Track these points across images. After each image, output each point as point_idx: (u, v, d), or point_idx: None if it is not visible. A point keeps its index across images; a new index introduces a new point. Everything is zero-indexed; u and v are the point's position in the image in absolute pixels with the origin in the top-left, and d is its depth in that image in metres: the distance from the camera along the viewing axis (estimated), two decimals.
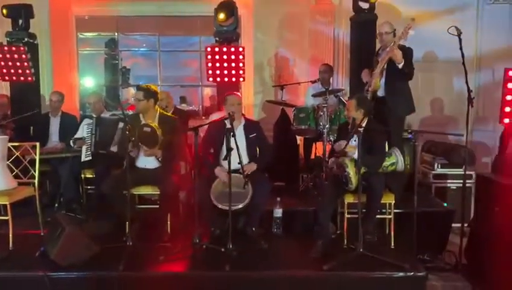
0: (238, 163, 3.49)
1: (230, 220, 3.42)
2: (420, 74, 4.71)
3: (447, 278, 3.81)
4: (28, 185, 3.94)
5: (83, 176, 4.59)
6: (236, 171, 3.63)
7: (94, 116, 4.70)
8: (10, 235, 3.65)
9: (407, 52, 4.15)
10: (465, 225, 4.12)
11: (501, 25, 6.36)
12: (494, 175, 3.82)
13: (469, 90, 3.88)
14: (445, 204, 4.57)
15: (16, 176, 3.92)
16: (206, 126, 4.11)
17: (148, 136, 3.76)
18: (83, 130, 4.62)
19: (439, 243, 4.19)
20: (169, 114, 4.32)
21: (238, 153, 3.44)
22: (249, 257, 3.48)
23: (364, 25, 5.35)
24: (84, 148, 4.51)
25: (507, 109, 3.51)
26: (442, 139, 5.54)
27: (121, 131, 4.22)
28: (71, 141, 4.56)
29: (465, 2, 6.38)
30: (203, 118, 7.61)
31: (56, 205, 4.55)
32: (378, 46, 4.98)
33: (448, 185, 5.00)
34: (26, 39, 5.51)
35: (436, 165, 5.07)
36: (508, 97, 3.49)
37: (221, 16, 5.42)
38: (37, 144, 3.99)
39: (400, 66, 4.07)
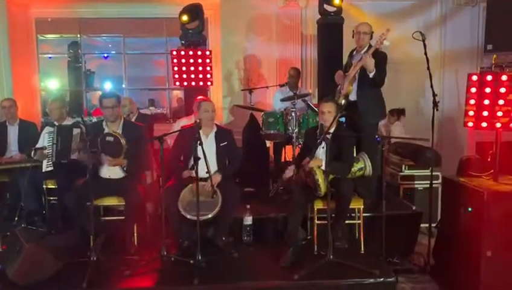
0: (206, 172, 3.42)
1: (198, 231, 3.34)
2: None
3: (415, 280, 3.86)
4: None
5: (45, 186, 4.39)
6: (204, 179, 3.56)
7: (56, 123, 4.51)
8: None
9: (382, 58, 4.14)
10: (433, 225, 4.19)
11: (463, 26, 6.54)
12: (458, 177, 3.88)
13: (434, 94, 3.94)
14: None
15: None
16: (175, 133, 4.01)
17: (112, 145, 3.63)
18: (44, 139, 4.41)
19: (408, 245, 4.24)
20: (133, 121, 4.19)
21: (206, 162, 3.36)
22: (219, 268, 3.41)
23: (331, 27, 5.36)
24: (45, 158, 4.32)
25: (470, 113, 3.56)
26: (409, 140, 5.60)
27: (76, 137, 4.11)
28: (32, 151, 4.35)
29: (429, 6, 6.51)
30: (171, 121, 7.48)
31: (16, 218, 4.35)
32: (345, 46, 5.00)
33: (416, 186, 5.06)
34: None
35: (403, 167, 5.12)
36: (471, 101, 3.54)
37: (184, 17, 5.34)
38: None
39: (371, 75, 4.07)
